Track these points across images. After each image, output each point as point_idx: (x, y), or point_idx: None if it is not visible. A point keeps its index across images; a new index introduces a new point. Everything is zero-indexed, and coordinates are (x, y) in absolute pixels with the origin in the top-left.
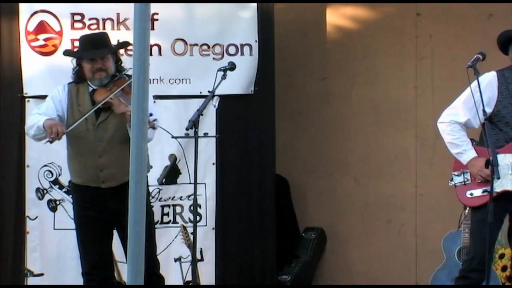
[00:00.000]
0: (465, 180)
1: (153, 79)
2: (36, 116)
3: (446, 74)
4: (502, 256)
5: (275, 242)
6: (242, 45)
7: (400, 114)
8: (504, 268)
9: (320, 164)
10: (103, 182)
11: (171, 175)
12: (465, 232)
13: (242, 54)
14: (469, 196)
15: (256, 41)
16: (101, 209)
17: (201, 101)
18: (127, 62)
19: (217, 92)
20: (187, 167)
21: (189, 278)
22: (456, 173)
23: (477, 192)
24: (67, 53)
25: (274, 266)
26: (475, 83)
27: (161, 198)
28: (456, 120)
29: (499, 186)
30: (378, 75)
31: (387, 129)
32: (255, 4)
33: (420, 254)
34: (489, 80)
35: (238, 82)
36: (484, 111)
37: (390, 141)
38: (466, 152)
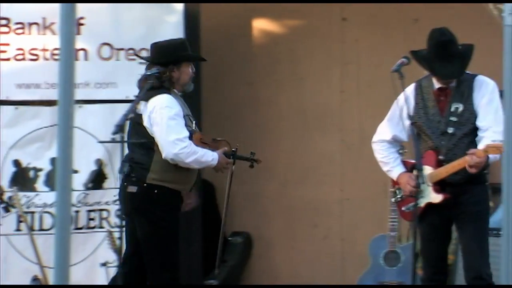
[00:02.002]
0: (402, 196)
1: (79, 84)
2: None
3: (372, 79)
4: None
5: (201, 247)
6: None
7: (326, 119)
8: None
9: (247, 169)
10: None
11: (98, 180)
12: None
13: None
14: (406, 211)
15: None
16: None
17: (127, 105)
18: (53, 66)
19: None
20: (114, 172)
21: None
22: (392, 189)
23: (410, 206)
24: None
25: (201, 271)
26: (400, 97)
27: (87, 202)
28: (383, 139)
29: (423, 199)
30: (304, 79)
31: (313, 134)
32: (181, 8)
33: (346, 258)
34: (408, 93)
35: None
36: (409, 115)
37: (316, 146)
38: (394, 169)
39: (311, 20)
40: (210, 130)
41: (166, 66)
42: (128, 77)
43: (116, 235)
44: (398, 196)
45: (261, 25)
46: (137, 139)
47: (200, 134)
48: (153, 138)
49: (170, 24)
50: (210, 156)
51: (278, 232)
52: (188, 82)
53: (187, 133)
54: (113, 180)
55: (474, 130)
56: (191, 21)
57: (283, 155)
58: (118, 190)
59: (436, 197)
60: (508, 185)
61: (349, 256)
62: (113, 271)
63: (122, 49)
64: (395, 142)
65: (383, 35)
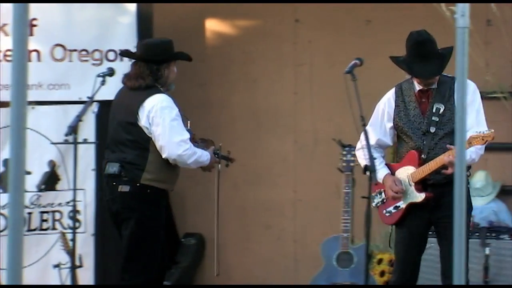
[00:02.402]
0: (382, 199)
1: (32, 85)
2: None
3: (325, 80)
4: (380, 261)
5: None
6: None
7: (279, 120)
8: (382, 273)
9: (199, 170)
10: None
11: (50, 181)
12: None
13: (121, 59)
14: (387, 215)
15: (135, 46)
16: None
17: (80, 107)
18: (6, 68)
19: (96, 97)
20: (67, 173)
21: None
22: (374, 194)
23: (391, 209)
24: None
25: None
26: (380, 101)
27: (40, 204)
28: None
29: (405, 199)
30: (257, 81)
31: (266, 135)
32: (134, 9)
33: (299, 260)
34: (387, 96)
35: (118, 88)
36: (361, 117)
37: (269, 147)
38: (379, 171)
39: (264, 22)
40: None
41: (158, 64)
42: (81, 78)
43: (69, 236)
44: (379, 200)
45: (214, 26)
46: (132, 139)
47: (193, 135)
48: (148, 138)
49: (123, 25)
50: (205, 156)
51: (231, 233)
52: (173, 81)
53: (188, 134)
54: (66, 182)
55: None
56: (144, 22)
57: (236, 157)
58: (72, 191)
59: (418, 196)
60: (460, 187)
61: (302, 257)
62: (66, 273)
63: (75, 50)
64: (379, 147)
65: (336, 37)
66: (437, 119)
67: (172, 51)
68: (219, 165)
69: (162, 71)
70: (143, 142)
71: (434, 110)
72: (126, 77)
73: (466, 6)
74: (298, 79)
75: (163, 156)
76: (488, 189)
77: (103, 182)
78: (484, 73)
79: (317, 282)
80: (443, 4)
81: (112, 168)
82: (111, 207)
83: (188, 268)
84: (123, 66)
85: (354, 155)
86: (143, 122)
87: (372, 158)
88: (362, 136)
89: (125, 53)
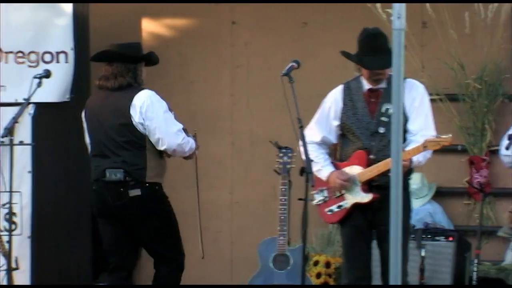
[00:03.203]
0: (324, 197)
1: None
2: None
3: (262, 82)
4: (316, 263)
5: (91, 250)
6: (57, 53)
7: (216, 122)
8: (318, 275)
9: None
10: None
11: None
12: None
13: (57, 61)
14: (329, 213)
15: (72, 48)
16: None
17: (16, 108)
18: None
19: (33, 99)
20: (2, 175)
21: None
22: (315, 191)
23: (334, 208)
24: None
25: (90, 274)
26: (326, 98)
27: None
28: (312, 140)
29: (350, 199)
30: (194, 83)
31: (203, 137)
32: (70, 11)
33: (236, 262)
34: (334, 95)
35: (54, 90)
36: (298, 119)
37: (206, 149)
38: (324, 168)
39: (201, 23)
40: None
41: (135, 63)
42: (17, 80)
43: (5, 238)
44: (321, 199)
45: (150, 27)
46: (127, 140)
47: None
48: (143, 135)
49: (59, 26)
50: (194, 143)
51: None
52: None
53: (182, 125)
54: (2, 184)
55: (404, 132)
56: (80, 24)
57: (173, 158)
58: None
59: (365, 197)
60: (396, 189)
61: (239, 259)
62: (2, 275)
63: (11, 52)
64: (324, 143)
65: (272, 39)
66: (386, 120)
67: (143, 53)
68: (196, 152)
69: (139, 70)
70: (139, 141)
71: (383, 111)
72: (103, 79)
73: (402, 8)
74: (235, 81)
75: (162, 148)
76: (423, 191)
77: (102, 189)
78: (420, 75)
79: (253, 284)
80: (379, 6)
81: (116, 174)
82: (119, 213)
83: None
84: (60, 68)
85: (291, 157)
86: (136, 119)
87: (309, 160)
88: (307, 132)
89: (100, 55)
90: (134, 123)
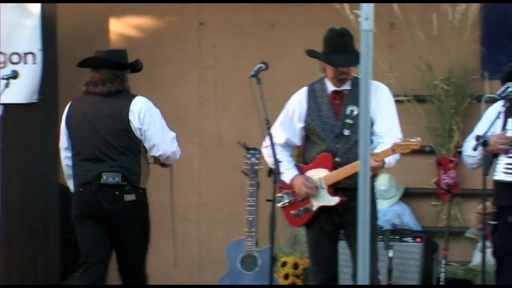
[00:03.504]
0: (290, 200)
1: None
2: None
3: (230, 83)
4: (284, 264)
5: (59, 252)
6: (25, 54)
7: (184, 123)
8: (286, 276)
9: None
10: None
11: None
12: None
13: (25, 62)
14: (294, 216)
15: (39, 49)
16: None
17: None
18: None
19: (0, 100)
20: None
21: None
22: (280, 194)
23: (300, 210)
24: None
25: (58, 275)
26: (290, 100)
27: None
28: (276, 142)
29: (316, 202)
30: (162, 84)
31: None
32: (38, 12)
33: (203, 262)
34: (298, 97)
35: (22, 91)
36: (266, 120)
37: None
38: (288, 171)
39: (169, 24)
40: None
41: (122, 69)
42: None
43: None
44: (286, 201)
45: (118, 28)
46: (124, 145)
47: None
48: (139, 140)
49: (27, 28)
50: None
51: None
52: None
53: (174, 132)
54: None
55: (371, 135)
56: (48, 24)
57: None
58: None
59: (331, 200)
60: (363, 190)
61: (207, 260)
62: None
63: None
64: (288, 146)
65: (240, 40)
66: (351, 122)
67: (129, 61)
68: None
69: (126, 77)
70: (136, 146)
71: (347, 113)
72: (91, 85)
73: (370, 9)
74: (203, 82)
75: (156, 154)
76: (391, 192)
77: (94, 192)
78: (387, 76)
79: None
80: (347, 8)
81: (114, 178)
82: (111, 216)
83: None
84: (28, 69)
85: (259, 158)
86: (135, 124)
87: (277, 161)
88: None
89: (87, 61)
90: (132, 128)
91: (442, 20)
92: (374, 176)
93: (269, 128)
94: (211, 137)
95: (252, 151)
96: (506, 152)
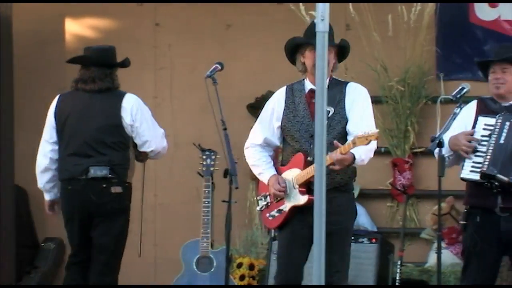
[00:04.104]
0: (267, 203)
1: None
2: None
3: (185, 84)
4: (240, 265)
5: (14, 253)
6: None
7: None
8: (242, 277)
9: None
10: None
11: None
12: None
13: None
14: (270, 218)
15: None
16: None
17: None
18: None
19: None
20: None
21: None
22: (259, 197)
23: (274, 212)
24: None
25: (13, 277)
26: (270, 99)
27: None
28: (255, 143)
29: (288, 202)
30: None
31: None
32: None
33: (159, 264)
34: (277, 95)
35: None
36: (222, 121)
37: None
38: (265, 172)
39: (124, 25)
40: (22, 138)
41: (111, 68)
42: None
43: None
44: (263, 204)
45: (74, 29)
46: (115, 141)
47: None
48: (129, 136)
49: None
50: None
51: None
52: None
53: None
54: None
55: (345, 135)
56: (3, 27)
57: None
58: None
59: (301, 199)
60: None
61: (162, 261)
62: None
63: None
64: (267, 146)
65: (196, 41)
66: (326, 122)
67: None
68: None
69: (114, 75)
70: (126, 142)
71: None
72: (81, 82)
73: (326, 9)
74: (158, 83)
75: (147, 150)
76: None
77: (82, 187)
78: (343, 77)
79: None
80: (302, 9)
81: (101, 171)
82: (98, 210)
83: (47, 272)
84: None
85: (214, 160)
86: (127, 121)
87: (233, 162)
88: (250, 135)
89: (77, 59)
90: (124, 124)
91: (398, 21)
92: (353, 177)
93: (225, 129)
94: (166, 138)
95: (207, 152)
96: (468, 152)
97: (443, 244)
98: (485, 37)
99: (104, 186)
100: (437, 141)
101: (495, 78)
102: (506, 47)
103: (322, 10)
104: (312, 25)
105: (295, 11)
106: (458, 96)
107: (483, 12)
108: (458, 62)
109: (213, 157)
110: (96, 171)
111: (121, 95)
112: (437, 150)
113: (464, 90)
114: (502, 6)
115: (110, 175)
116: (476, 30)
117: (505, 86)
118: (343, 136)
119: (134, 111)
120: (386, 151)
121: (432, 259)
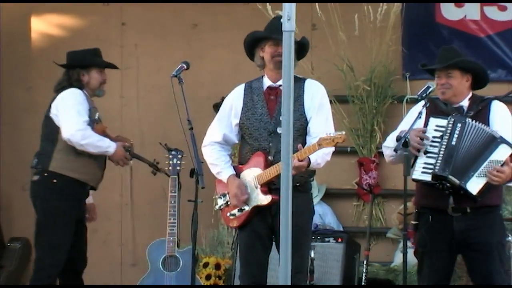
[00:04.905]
0: (227, 201)
1: None
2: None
3: (151, 84)
4: (206, 265)
5: None
6: None
7: (106, 123)
8: (208, 277)
9: (26, 175)
10: None
11: None
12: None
13: None
14: (231, 217)
15: None
16: None
17: None
18: None
19: None
20: None
21: None
22: (218, 195)
23: (235, 211)
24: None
25: None
26: (228, 96)
27: None
28: (214, 141)
29: (250, 202)
30: None
31: None
32: None
33: (125, 263)
34: (236, 93)
35: None
36: (188, 120)
37: None
38: (224, 171)
39: (91, 24)
40: None
41: (73, 68)
42: None
43: None
44: (223, 203)
45: (41, 28)
46: (46, 131)
47: (104, 126)
48: (57, 127)
49: None
50: (106, 143)
51: None
52: (97, 87)
53: (85, 119)
54: None
55: (303, 133)
56: None
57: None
58: None
59: (264, 199)
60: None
61: (128, 260)
62: None
63: None
64: (226, 144)
65: (162, 40)
66: (292, 121)
67: (89, 58)
68: (131, 162)
69: (76, 75)
70: (53, 132)
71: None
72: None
73: (292, 9)
74: (125, 82)
75: (64, 138)
76: (313, 192)
77: None
78: (309, 76)
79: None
80: (269, 8)
81: (33, 161)
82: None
83: (13, 272)
84: None
85: (181, 159)
86: (53, 110)
87: (199, 162)
88: (208, 132)
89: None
90: (51, 114)
91: (364, 21)
92: (310, 176)
93: (191, 129)
94: (133, 137)
95: (173, 152)
96: (419, 150)
97: (409, 244)
98: (451, 37)
99: (32, 174)
100: (402, 141)
101: (441, 83)
102: (448, 50)
103: (289, 10)
104: (274, 20)
105: (262, 11)
106: (424, 95)
107: (449, 12)
108: (424, 61)
109: (180, 156)
110: (32, 162)
111: (63, 90)
112: (398, 151)
113: (430, 90)
114: (468, 6)
115: (34, 165)
116: (442, 29)
117: (450, 90)
118: (302, 134)
119: (59, 99)
120: (352, 151)
121: (398, 259)
